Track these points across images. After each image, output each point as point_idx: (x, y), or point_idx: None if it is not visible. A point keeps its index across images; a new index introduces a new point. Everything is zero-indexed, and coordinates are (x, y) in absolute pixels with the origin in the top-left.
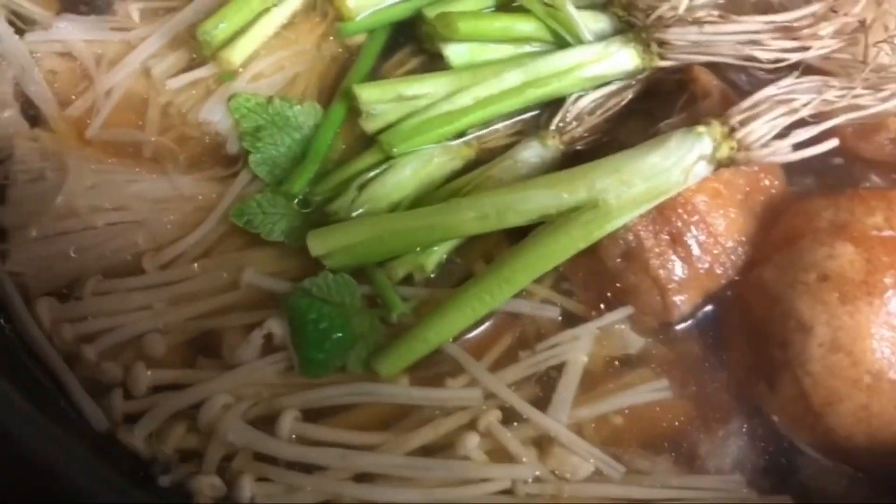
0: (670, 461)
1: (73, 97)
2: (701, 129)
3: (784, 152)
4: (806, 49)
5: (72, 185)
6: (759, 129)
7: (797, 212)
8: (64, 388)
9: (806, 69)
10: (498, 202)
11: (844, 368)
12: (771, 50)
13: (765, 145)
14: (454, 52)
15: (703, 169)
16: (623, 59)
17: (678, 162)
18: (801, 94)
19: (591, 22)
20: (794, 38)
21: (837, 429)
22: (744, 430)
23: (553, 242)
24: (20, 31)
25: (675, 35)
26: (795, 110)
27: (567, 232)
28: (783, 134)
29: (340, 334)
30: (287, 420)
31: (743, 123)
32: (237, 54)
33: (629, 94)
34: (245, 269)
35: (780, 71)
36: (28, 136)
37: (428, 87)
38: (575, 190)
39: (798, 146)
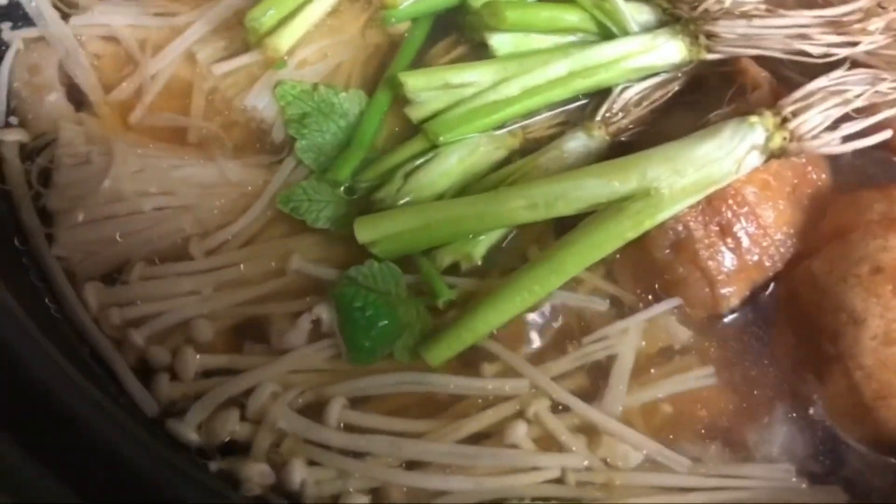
0: (719, 449)
1: (118, 82)
2: (754, 118)
3: (835, 143)
4: (855, 44)
5: (118, 170)
6: (812, 120)
7: (847, 204)
8: (113, 373)
9: (851, 64)
10: (548, 191)
11: None
12: (819, 44)
13: (816, 136)
14: (499, 42)
15: (755, 159)
16: (670, 50)
17: (731, 152)
18: (853, 86)
19: (635, 13)
20: (843, 33)
21: (889, 422)
22: (791, 420)
23: (603, 232)
24: (64, 15)
25: (724, 28)
26: (849, 101)
27: (618, 222)
28: (832, 127)
29: (387, 322)
30: (336, 408)
31: (796, 114)
32: (284, 41)
33: (675, 86)
34: (292, 255)
35: (827, 65)
36: (73, 119)
37: (474, 75)
38: (627, 179)
39: (847, 138)
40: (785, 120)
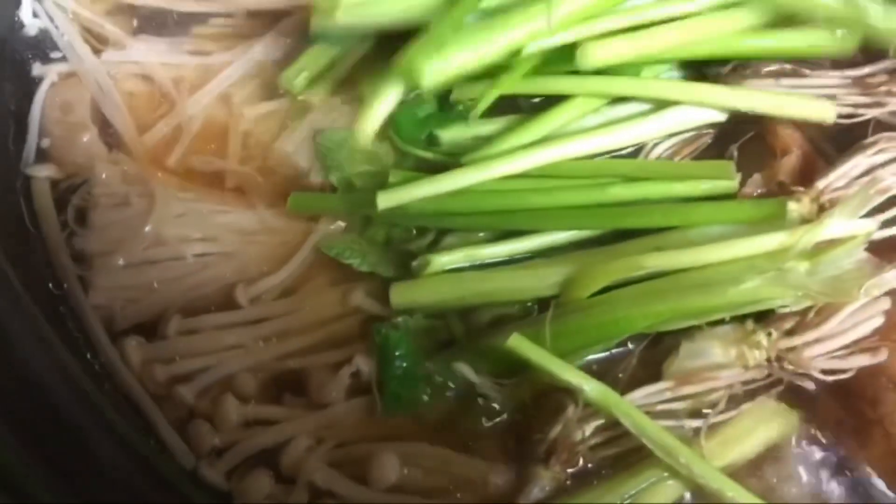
0: None
1: (152, 121)
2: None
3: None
4: (882, 105)
5: (161, 213)
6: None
7: None
8: (152, 425)
9: (876, 126)
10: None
11: None
12: (846, 104)
13: None
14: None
15: None
16: (699, 109)
17: None
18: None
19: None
20: (868, 94)
21: None
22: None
23: None
24: (96, 51)
25: (752, 87)
26: (885, 190)
27: None
28: None
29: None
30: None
31: (833, 203)
32: (316, 94)
33: (705, 142)
34: (353, 292)
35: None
36: (109, 159)
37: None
38: None
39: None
40: (822, 208)
